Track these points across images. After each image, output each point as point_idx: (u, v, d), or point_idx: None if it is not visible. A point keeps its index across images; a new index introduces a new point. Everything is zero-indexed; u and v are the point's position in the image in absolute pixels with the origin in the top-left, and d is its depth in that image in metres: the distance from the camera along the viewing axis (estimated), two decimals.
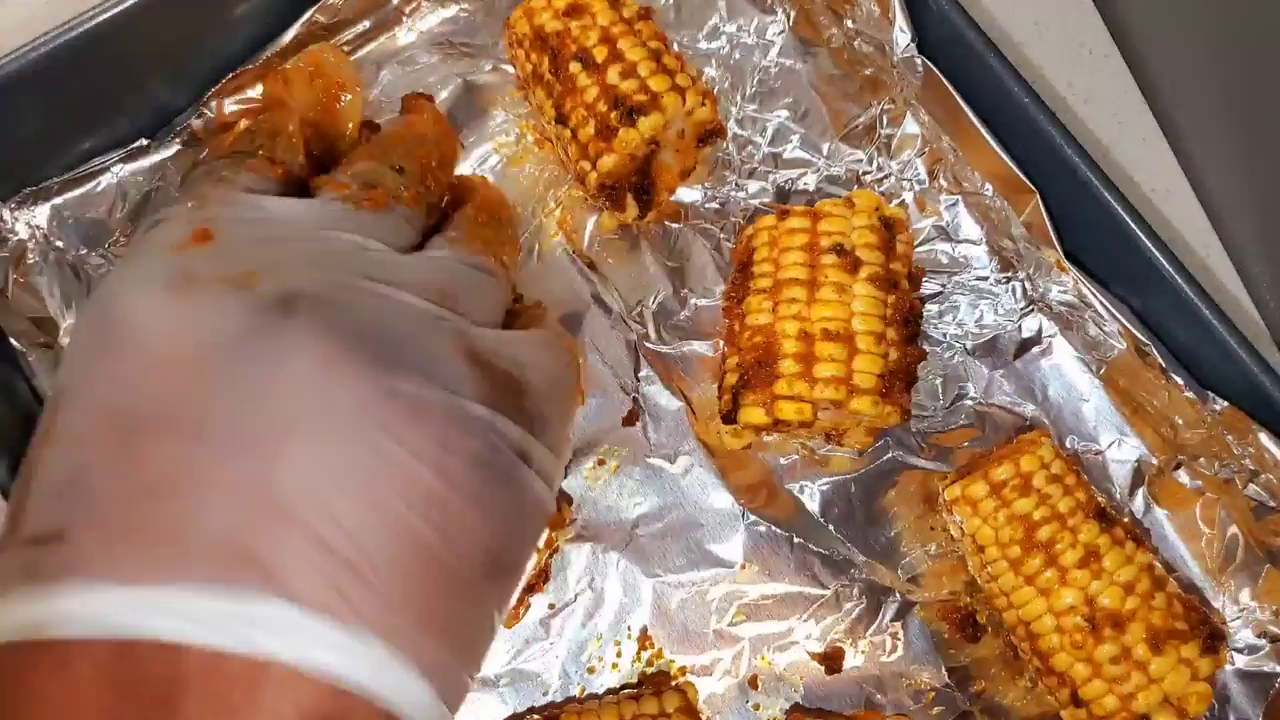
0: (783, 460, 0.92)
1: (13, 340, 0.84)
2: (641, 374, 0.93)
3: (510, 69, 0.99)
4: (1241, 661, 0.87)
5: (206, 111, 0.92)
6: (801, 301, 0.84)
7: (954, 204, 0.96)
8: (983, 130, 0.89)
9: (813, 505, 0.91)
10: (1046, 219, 0.87)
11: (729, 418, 0.86)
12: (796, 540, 0.90)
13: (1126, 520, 0.88)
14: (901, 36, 0.91)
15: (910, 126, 0.96)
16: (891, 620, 0.89)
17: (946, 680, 0.88)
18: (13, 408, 0.81)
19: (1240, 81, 0.93)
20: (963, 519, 0.86)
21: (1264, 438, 0.83)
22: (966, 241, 0.95)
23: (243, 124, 0.54)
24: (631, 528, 0.90)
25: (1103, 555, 0.82)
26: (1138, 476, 0.91)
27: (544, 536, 0.81)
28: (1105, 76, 1.04)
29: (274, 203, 0.49)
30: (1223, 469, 0.88)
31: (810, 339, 0.83)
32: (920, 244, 0.96)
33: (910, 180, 0.97)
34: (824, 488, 0.91)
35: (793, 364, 0.82)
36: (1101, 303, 0.87)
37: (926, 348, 0.92)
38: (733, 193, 0.97)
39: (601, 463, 0.92)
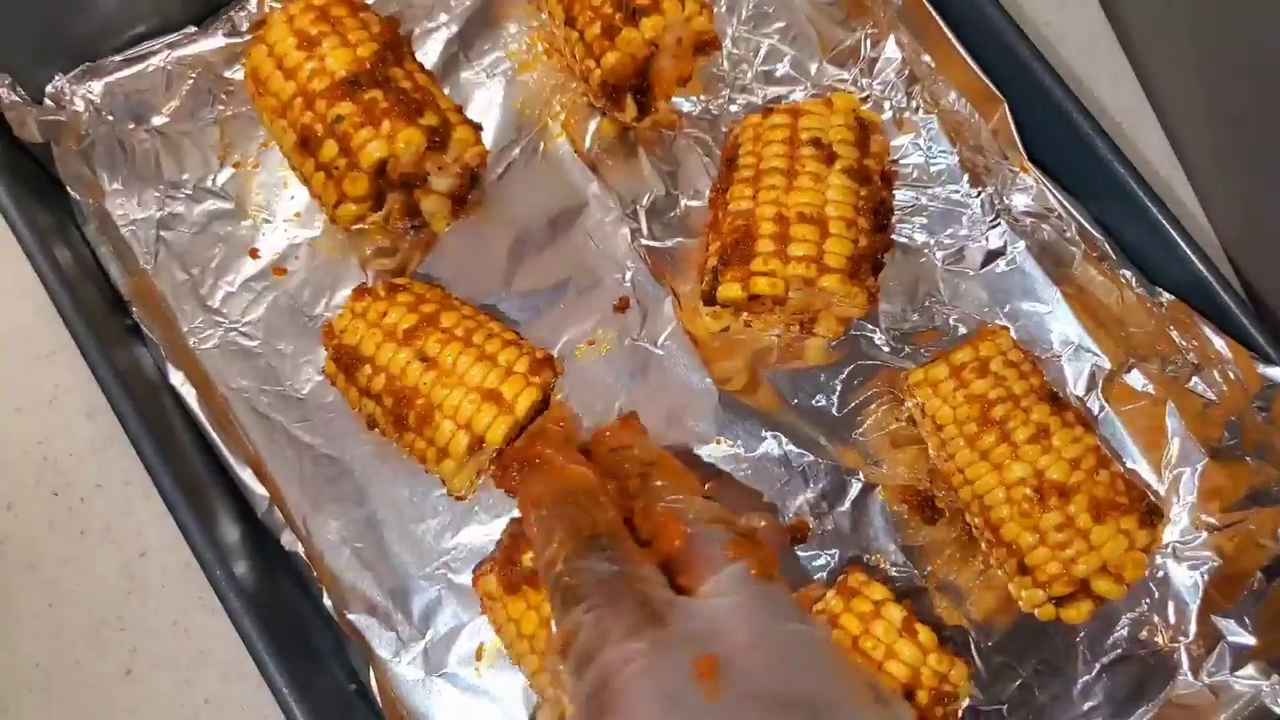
0: (760, 350, 0.99)
1: (69, 190, 0.93)
2: (633, 266, 1.01)
3: None
4: (1182, 550, 0.93)
5: (249, 8, 1.01)
6: (780, 189, 0.91)
7: (930, 122, 1.03)
8: (956, 44, 0.96)
9: (786, 391, 0.98)
10: (1012, 125, 0.95)
11: (709, 298, 0.93)
12: (771, 421, 0.97)
13: (1077, 407, 0.94)
14: None
15: (891, 50, 1.04)
16: (855, 499, 0.95)
17: (905, 558, 0.94)
18: (68, 245, 0.90)
19: (1207, 19, 1.00)
20: (924, 400, 0.93)
21: (1206, 330, 0.89)
22: (940, 156, 1.02)
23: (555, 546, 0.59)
24: (617, 402, 0.97)
25: (1052, 434, 0.88)
26: (1092, 380, 0.97)
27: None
28: (1079, 16, 1.11)
29: (709, 606, 0.53)
30: (1169, 367, 0.94)
31: (786, 222, 0.90)
32: (899, 160, 1.03)
33: (890, 100, 1.04)
34: (798, 376, 0.98)
35: (769, 243, 0.89)
36: (1060, 202, 0.94)
37: (901, 255, 0.99)
38: (725, 105, 1.05)
39: (592, 343, 0.99)
